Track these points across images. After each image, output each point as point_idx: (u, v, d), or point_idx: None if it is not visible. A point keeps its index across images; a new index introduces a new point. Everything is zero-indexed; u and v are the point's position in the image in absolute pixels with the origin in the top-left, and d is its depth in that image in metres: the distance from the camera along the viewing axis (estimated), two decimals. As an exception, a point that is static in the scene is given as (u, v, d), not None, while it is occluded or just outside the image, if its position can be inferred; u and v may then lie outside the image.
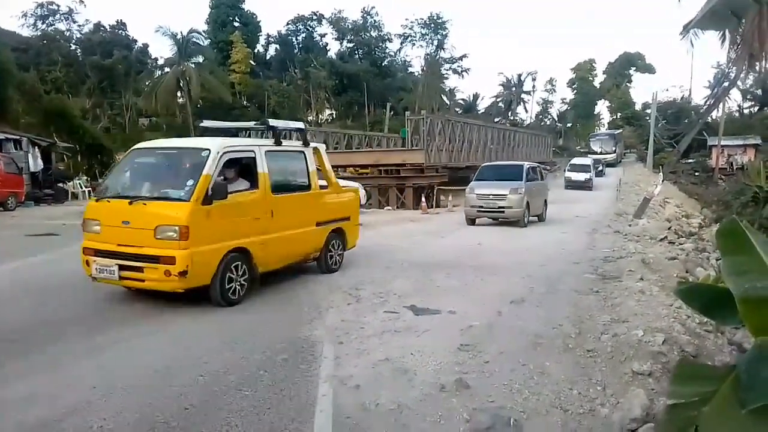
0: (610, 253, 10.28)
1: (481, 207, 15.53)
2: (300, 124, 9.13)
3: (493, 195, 15.31)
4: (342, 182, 20.11)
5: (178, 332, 5.54)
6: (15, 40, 44.20)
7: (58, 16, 52.03)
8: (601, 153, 50.11)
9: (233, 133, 8.59)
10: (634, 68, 79.62)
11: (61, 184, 25.40)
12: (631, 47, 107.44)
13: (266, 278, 7.84)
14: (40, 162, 24.16)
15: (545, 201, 17.48)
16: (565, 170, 35.17)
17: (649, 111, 61.08)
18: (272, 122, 8.23)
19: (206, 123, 8.74)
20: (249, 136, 9.50)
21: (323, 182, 8.81)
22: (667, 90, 76.73)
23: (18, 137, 23.91)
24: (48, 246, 11.29)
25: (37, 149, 24.37)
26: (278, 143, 7.75)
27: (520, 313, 6.28)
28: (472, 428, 3.60)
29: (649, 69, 79.18)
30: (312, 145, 8.63)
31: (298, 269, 8.64)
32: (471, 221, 16.05)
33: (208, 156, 6.37)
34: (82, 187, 26.16)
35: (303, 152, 8.28)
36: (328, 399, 3.99)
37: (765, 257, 2.87)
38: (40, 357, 4.78)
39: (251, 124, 9.50)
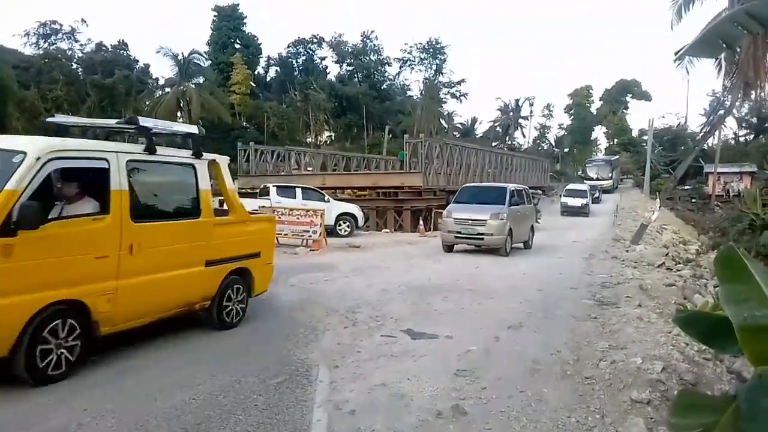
0: (607, 279, 10.25)
1: (459, 233, 14.27)
2: (193, 128, 7.06)
3: (472, 220, 14.06)
4: (339, 204, 20.37)
5: (171, 353, 5.47)
6: (17, 58, 44.53)
7: (60, 35, 52.42)
8: (597, 179, 49.47)
9: (94, 134, 6.94)
10: (631, 95, 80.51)
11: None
12: (627, 74, 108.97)
13: (262, 299, 7.80)
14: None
15: (532, 227, 16.52)
16: (561, 195, 34.90)
17: (645, 137, 61.47)
18: (144, 121, 6.14)
19: (57, 118, 7.02)
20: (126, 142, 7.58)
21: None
22: (663, 117, 77.42)
23: (17, 155, 23.94)
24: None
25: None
26: (150, 151, 5.65)
27: (518, 339, 6.23)
28: (469, 456, 3.54)
29: (645, 96, 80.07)
30: (206, 156, 6.64)
31: (293, 293, 8.59)
32: (448, 248, 14.80)
33: (21, 162, 4.42)
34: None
35: (192, 165, 6.25)
36: (322, 424, 3.93)
37: (763, 285, 2.85)
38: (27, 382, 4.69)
39: (113, 122, 7.35)
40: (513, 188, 15.78)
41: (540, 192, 22.02)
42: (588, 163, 57.35)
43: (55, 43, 52.36)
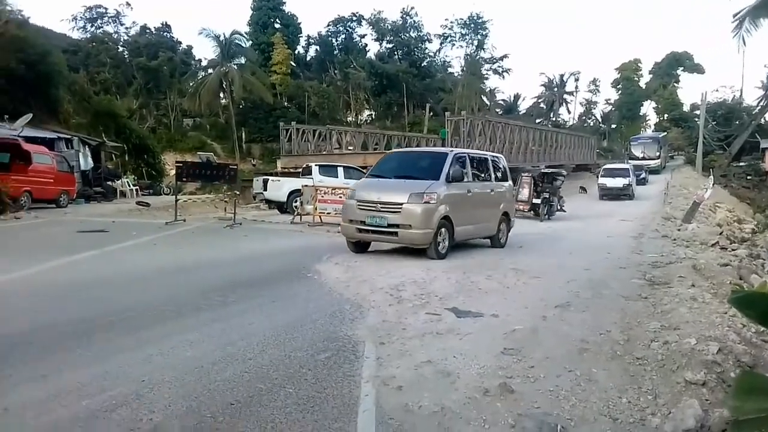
0: (658, 259, 9.97)
1: (363, 223, 9.92)
2: None
3: (381, 204, 9.72)
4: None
5: (223, 328, 5.61)
6: (66, 42, 46.02)
7: (106, 18, 53.89)
8: (643, 158, 45.61)
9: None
10: (682, 68, 77.31)
11: (109, 183, 26.27)
12: (678, 47, 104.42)
13: (308, 277, 7.93)
14: (90, 161, 25.04)
15: (506, 217, 12.05)
16: (598, 176, 30.70)
17: (697, 112, 59.23)
18: None
19: None
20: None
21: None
22: (716, 90, 73.93)
23: (69, 137, 24.82)
24: (98, 242, 11.65)
25: (87, 148, 25.26)
26: None
27: (566, 318, 6.13)
28: (518, 434, 3.53)
29: (697, 69, 76.78)
30: None
31: (339, 270, 8.69)
32: (354, 246, 10.58)
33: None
34: (129, 186, 26.95)
35: None
36: (370, 399, 3.97)
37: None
38: (89, 349, 4.91)
39: None
40: (461, 155, 11.15)
41: (563, 174, 21.04)
42: (633, 141, 52.56)
43: (102, 27, 53.89)
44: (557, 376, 4.41)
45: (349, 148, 34.06)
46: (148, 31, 55.47)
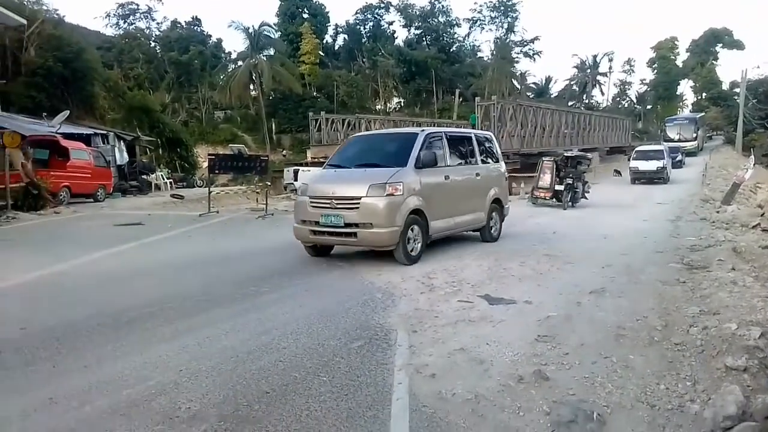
0: (696, 242, 9.71)
1: (317, 224, 8.41)
2: None
3: (337, 199, 8.22)
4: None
5: (258, 318, 5.70)
6: (100, 39, 47.04)
7: (137, 14, 54.80)
8: (679, 140, 43.31)
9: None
10: (721, 45, 74.72)
11: (144, 176, 26.82)
12: (717, 23, 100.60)
13: (338, 265, 7.98)
14: (125, 155, 25.61)
15: (496, 203, 10.48)
16: (629, 159, 28.79)
17: (737, 90, 57.27)
18: None
19: None
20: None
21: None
22: (758, 67, 71.75)
23: (105, 132, 25.41)
24: (136, 235, 11.93)
25: (122, 143, 25.83)
26: None
27: (601, 304, 6.03)
28: (553, 421, 3.49)
29: (737, 45, 74.09)
30: None
31: (370, 257, 8.73)
32: (312, 250, 9.09)
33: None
34: (163, 179, 27.49)
35: None
36: (404, 387, 3.98)
37: None
38: (129, 340, 5.05)
39: None
40: (435, 134, 9.41)
41: (588, 158, 19.89)
42: (668, 122, 50.16)
43: (134, 23, 54.87)
44: (593, 363, 4.35)
45: (379, 136, 34.04)
46: (179, 25, 56.31)
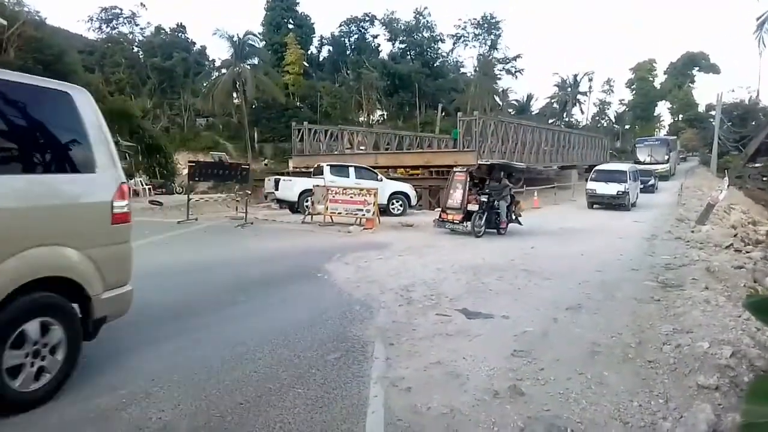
0: (671, 261, 9.87)
1: None
2: None
3: None
4: (392, 183, 20.34)
5: (233, 328, 5.64)
6: (82, 42, 46.50)
7: (121, 19, 54.38)
8: (650, 162, 40.47)
9: None
10: (698, 68, 76.66)
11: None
12: (694, 47, 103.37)
13: (318, 277, 7.97)
14: (104, 160, 25.21)
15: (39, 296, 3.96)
16: (587, 180, 24.75)
17: (713, 113, 58.58)
18: None
19: None
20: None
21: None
22: (732, 91, 73.14)
23: (84, 136, 25.02)
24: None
25: (101, 148, 25.44)
26: None
27: (577, 320, 6.09)
28: (527, 437, 3.50)
29: (713, 69, 76.04)
30: None
31: (350, 269, 8.70)
32: None
33: None
34: (143, 185, 27.13)
35: None
36: (379, 400, 3.96)
37: None
38: (101, 349, 4.94)
39: None
40: None
41: (520, 169, 16.80)
42: (639, 143, 46.59)
43: (117, 28, 54.37)
44: (568, 379, 4.38)
45: (361, 148, 34.07)
46: (162, 31, 55.95)
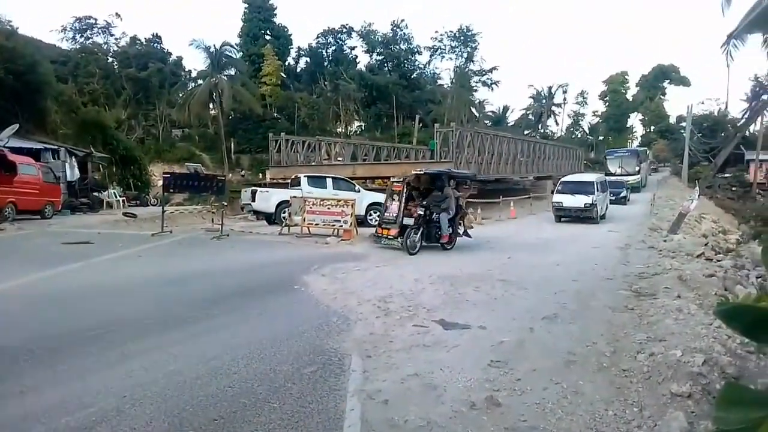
0: (644, 270, 10.02)
1: None
2: None
3: None
4: (369, 194, 20.33)
5: (208, 341, 5.56)
6: (55, 52, 45.74)
7: (95, 29, 53.67)
8: (621, 174, 39.33)
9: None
10: (668, 81, 78.34)
11: (96, 194, 25.99)
12: (665, 59, 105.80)
13: (295, 288, 7.91)
14: (76, 172, 24.78)
15: None
16: (554, 192, 23.66)
17: (683, 124, 59.83)
18: None
19: None
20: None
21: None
22: (702, 103, 74.68)
23: (56, 147, 24.58)
24: (83, 254, 11.50)
25: (74, 159, 25.01)
26: None
27: (553, 330, 6.14)
28: (504, 448, 3.50)
29: (683, 81, 77.77)
30: None
31: (327, 280, 8.65)
32: None
33: None
34: (116, 197, 26.71)
35: None
36: (356, 414, 3.93)
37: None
38: (72, 364, 4.83)
39: None
40: None
41: (467, 177, 15.42)
42: (609, 155, 45.19)
43: (91, 38, 53.63)
44: (544, 389, 4.40)
45: (339, 159, 34.02)
46: (138, 42, 55.33)
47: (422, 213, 12.75)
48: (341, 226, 15.37)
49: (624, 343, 5.55)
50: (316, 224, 15.64)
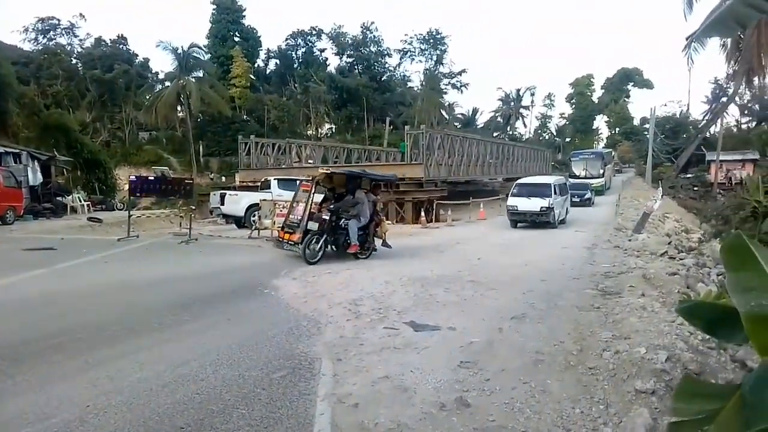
0: (610, 269, 10.22)
1: None
2: None
3: None
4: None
5: (176, 348, 5.47)
6: (16, 54, 44.47)
7: (59, 30, 52.38)
8: (585, 176, 38.91)
9: None
10: (632, 83, 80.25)
11: (60, 198, 25.35)
12: (629, 63, 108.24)
13: (264, 292, 7.84)
14: (39, 176, 24.14)
15: None
16: (509, 195, 21.53)
17: (647, 126, 61.33)
18: None
19: None
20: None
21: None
22: (665, 105, 76.85)
23: (17, 151, 23.90)
24: (47, 260, 11.21)
25: (36, 163, 24.35)
26: None
27: (521, 330, 6.21)
28: (473, 448, 3.53)
29: (647, 84, 79.77)
30: None
31: (297, 284, 8.59)
32: None
33: None
34: (80, 201, 26.09)
35: None
36: (326, 418, 3.92)
37: (771, 273, 2.84)
38: (33, 374, 4.70)
39: None
40: None
41: (381, 179, 14.13)
42: (573, 157, 44.35)
43: (54, 39, 52.32)
44: (512, 389, 4.45)
45: (309, 161, 33.89)
46: (103, 43, 54.14)
47: (327, 218, 11.61)
48: (312, 229, 15.27)
49: (590, 341, 5.65)
50: (287, 227, 15.52)
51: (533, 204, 19.57)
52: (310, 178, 12.55)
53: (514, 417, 3.95)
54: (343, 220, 11.89)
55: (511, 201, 20.44)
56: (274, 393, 4.34)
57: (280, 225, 15.47)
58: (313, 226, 11.57)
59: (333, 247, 11.99)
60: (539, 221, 19.55)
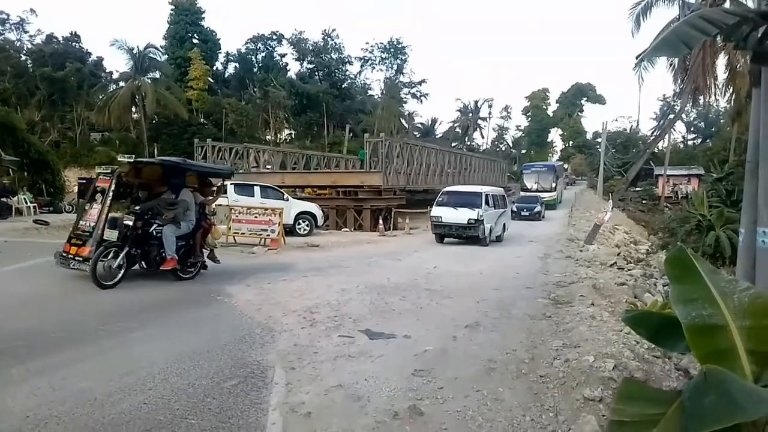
0: (562, 278, 10.46)
1: None
2: None
3: None
4: (298, 203, 20.14)
5: (123, 356, 5.30)
6: (-40, 49, 42.55)
7: (7, 25, 50.44)
8: (537, 190, 38.38)
9: None
10: (586, 98, 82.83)
11: (4, 200, 24.30)
12: (583, 78, 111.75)
13: (218, 299, 7.69)
14: (-19, 176, 23.11)
15: None
16: (433, 204, 18.70)
17: (599, 140, 63.30)
18: None
19: None
20: None
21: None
22: (616, 120, 79.46)
23: (-42, 149, 22.84)
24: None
25: (-22, 162, 23.32)
26: None
27: (475, 338, 6.28)
28: (425, 457, 3.53)
29: (599, 99, 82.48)
30: None
31: (251, 291, 8.47)
32: None
33: None
34: (27, 203, 25.08)
35: None
36: (277, 427, 3.87)
37: (711, 286, 2.96)
38: (-31, 383, 4.48)
39: None
40: None
41: (223, 174, 12.11)
42: (525, 170, 44.17)
43: (3, 34, 50.33)
44: (465, 397, 4.48)
45: (267, 167, 33.50)
46: (54, 40, 52.28)
47: (132, 224, 8.96)
48: (268, 235, 15.14)
49: (542, 349, 5.76)
50: (243, 233, 15.34)
51: (460, 215, 17.07)
52: (109, 171, 9.81)
53: (466, 425, 3.99)
54: (155, 225, 9.22)
55: (436, 211, 17.74)
56: (225, 402, 4.26)
57: (236, 230, 15.28)
58: (112, 235, 8.83)
59: (143, 263, 9.37)
60: (466, 235, 17.14)
